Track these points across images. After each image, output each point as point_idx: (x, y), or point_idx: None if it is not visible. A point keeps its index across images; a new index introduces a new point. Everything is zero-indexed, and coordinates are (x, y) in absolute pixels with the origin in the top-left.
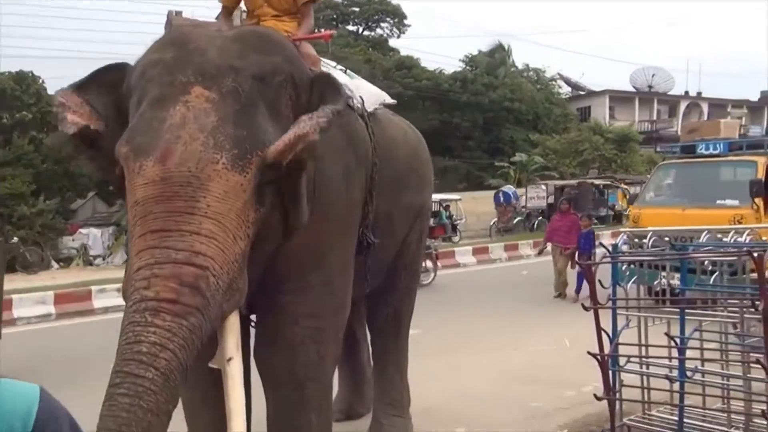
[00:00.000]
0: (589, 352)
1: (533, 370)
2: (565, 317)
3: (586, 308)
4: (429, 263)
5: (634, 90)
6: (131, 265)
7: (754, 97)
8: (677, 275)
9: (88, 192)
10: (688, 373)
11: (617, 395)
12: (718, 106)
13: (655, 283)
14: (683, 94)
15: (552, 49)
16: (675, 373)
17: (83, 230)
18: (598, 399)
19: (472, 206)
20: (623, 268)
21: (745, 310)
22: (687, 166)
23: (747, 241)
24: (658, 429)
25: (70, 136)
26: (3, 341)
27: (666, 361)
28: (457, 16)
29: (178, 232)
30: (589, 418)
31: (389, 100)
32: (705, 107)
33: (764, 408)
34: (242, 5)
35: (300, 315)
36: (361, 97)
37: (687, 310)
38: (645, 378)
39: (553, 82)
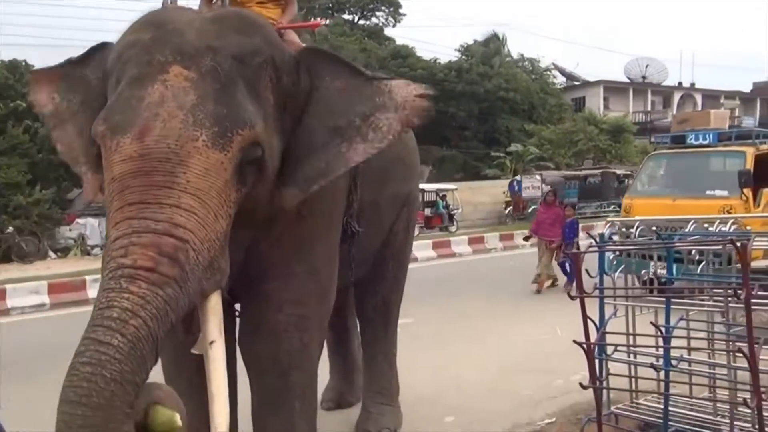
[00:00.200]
0: (575, 341)
1: (524, 359)
2: (558, 306)
3: (572, 297)
4: None
5: (628, 81)
6: (108, 238)
7: (747, 88)
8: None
9: None
10: (673, 362)
11: (604, 384)
12: (712, 97)
13: (643, 272)
14: (677, 85)
15: (546, 39)
16: (661, 362)
17: (80, 220)
18: (584, 388)
19: (469, 196)
20: (611, 257)
21: (730, 299)
22: (677, 156)
23: (731, 230)
24: (646, 417)
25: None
26: None
27: (653, 350)
28: (452, 5)
29: (157, 205)
30: (578, 407)
31: None
32: (699, 98)
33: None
34: None
35: (284, 302)
36: None
37: (675, 300)
38: (633, 367)
39: (548, 72)
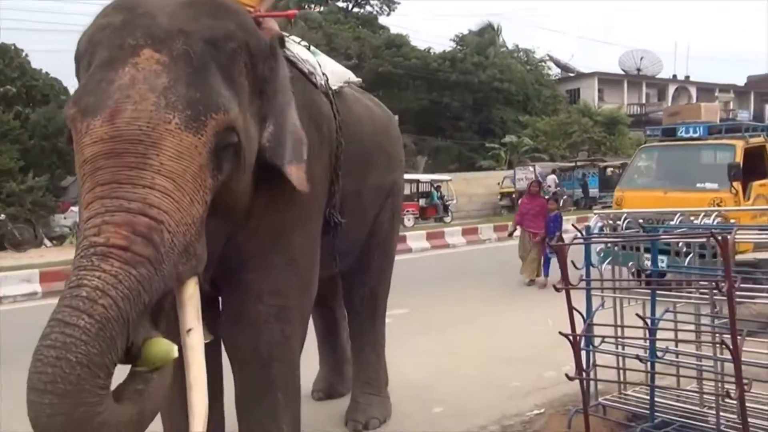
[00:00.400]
0: (560, 332)
1: (516, 350)
2: (550, 298)
3: (557, 289)
4: None
5: (623, 73)
6: (81, 219)
7: (741, 81)
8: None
9: None
10: (659, 354)
11: (591, 375)
12: (706, 90)
13: (630, 264)
14: (671, 77)
15: (541, 29)
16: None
17: (75, 208)
18: (570, 379)
19: (463, 187)
20: (597, 249)
21: (714, 291)
22: (668, 149)
23: (715, 223)
24: (633, 408)
25: None
26: None
27: (641, 342)
28: None
29: (130, 185)
30: (567, 398)
31: (354, 78)
32: (693, 91)
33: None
34: None
35: (264, 293)
36: (325, 75)
37: (663, 292)
38: (620, 358)
39: (543, 63)
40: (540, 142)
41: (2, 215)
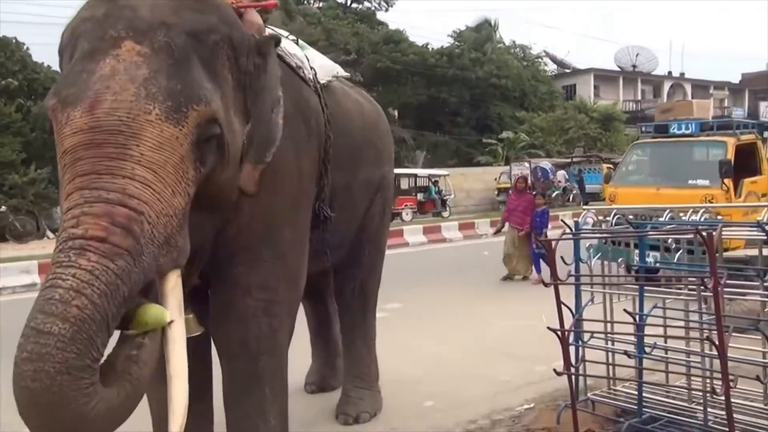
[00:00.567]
0: (549, 327)
1: (508, 344)
2: (544, 293)
3: (545, 284)
4: None
5: (618, 69)
6: (62, 211)
7: (736, 79)
8: (651, 253)
9: None
10: (647, 349)
11: (580, 371)
12: (701, 87)
13: (620, 260)
14: (667, 74)
15: (537, 25)
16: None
17: None
18: (558, 374)
19: (461, 182)
20: (587, 245)
21: (702, 288)
22: (660, 145)
23: (702, 219)
24: (622, 404)
25: None
26: None
27: (630, 338)
28: None
29: (109, 175)
30: (557, 393)
31: (342, 72)
32: (688, 88)
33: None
34: None
35: (251, 287)
36: (313, 69)
37: (652, 288)
38: (610, 354)
39: (539, 60)
40: (536, 138)
41: (3, 207)
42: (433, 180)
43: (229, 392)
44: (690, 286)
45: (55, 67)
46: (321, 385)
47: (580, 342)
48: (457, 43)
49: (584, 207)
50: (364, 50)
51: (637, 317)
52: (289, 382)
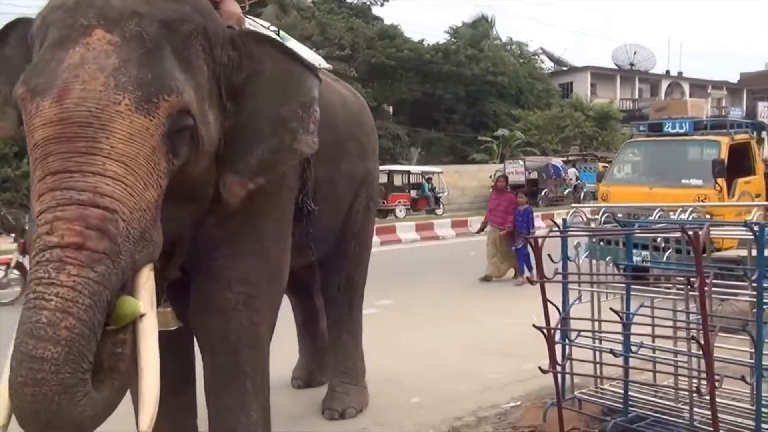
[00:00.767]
0: (534, 325)
1: (496, 342)
2: (534, 292)
3: (531, 282)
4: None
5: (616, 67)
6: (34, 212)
7: (734, 78)
8: (642, 252)
9: None
10: (633, 348)
11: (567, 369)
12: (699, 87)
13: (608, 259)
14: (664, 73)
15: (534, 22)
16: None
17: None
18: (543, 372)
19: (455, 179)
20: (575, 243)
21: (689, 287)
22: (653, 144)
23: (689, 219)
24: (608, 403)
25: None
26: None
27: (617, 337)
28: None
29: (79, 173)
30: (544, 391)
31: (325, 65)
32: (686, 87)
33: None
34: None
35: (232, 280)
36: None
37: (640, 287)
38: (597, 352)
39: (536, 57)
40: (532, 136)
41: None
42: (426, 177)
43: (210, 386)
44: (678, 286)
45: None
46: (307, 380)
47: (566, 340)
48: (453, 39)
49: (573, 205)
50: (358, 45)
51: (624, 316)
52: (275, 377)
